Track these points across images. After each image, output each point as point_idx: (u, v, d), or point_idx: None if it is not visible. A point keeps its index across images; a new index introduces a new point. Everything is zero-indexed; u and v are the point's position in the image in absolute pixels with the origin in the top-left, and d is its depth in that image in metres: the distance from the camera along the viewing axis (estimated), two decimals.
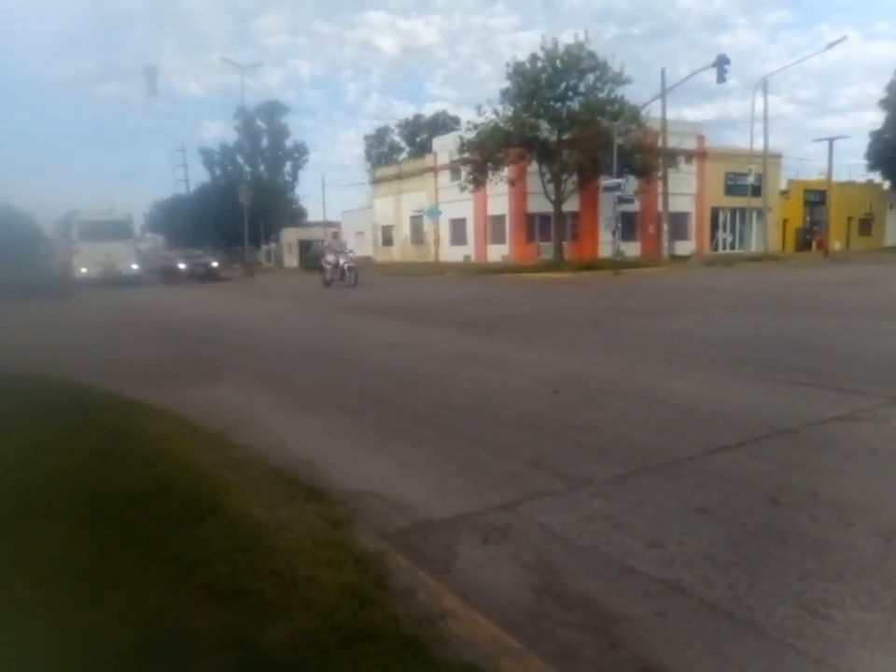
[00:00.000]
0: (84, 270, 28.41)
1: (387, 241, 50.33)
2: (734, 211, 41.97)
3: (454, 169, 37.62)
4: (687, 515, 3.06)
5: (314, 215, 61.94)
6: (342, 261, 22.36)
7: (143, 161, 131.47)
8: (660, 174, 31.98)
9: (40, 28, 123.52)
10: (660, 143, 31.71)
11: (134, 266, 30.12)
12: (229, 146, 60.47)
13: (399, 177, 48.06)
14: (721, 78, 26.44)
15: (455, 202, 38.16)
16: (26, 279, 27.95)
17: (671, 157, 32.53)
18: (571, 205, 32.78)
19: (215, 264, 35.29)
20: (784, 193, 45.79)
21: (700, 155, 40.28)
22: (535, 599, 2.42)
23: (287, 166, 62.71)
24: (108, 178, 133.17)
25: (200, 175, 63.81)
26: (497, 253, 37.07)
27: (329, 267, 22.67)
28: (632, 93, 41.10)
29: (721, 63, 26.16)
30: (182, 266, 32.76)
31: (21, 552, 2.39)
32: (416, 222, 45.06)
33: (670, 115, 31.93)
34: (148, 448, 3.63)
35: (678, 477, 3.55)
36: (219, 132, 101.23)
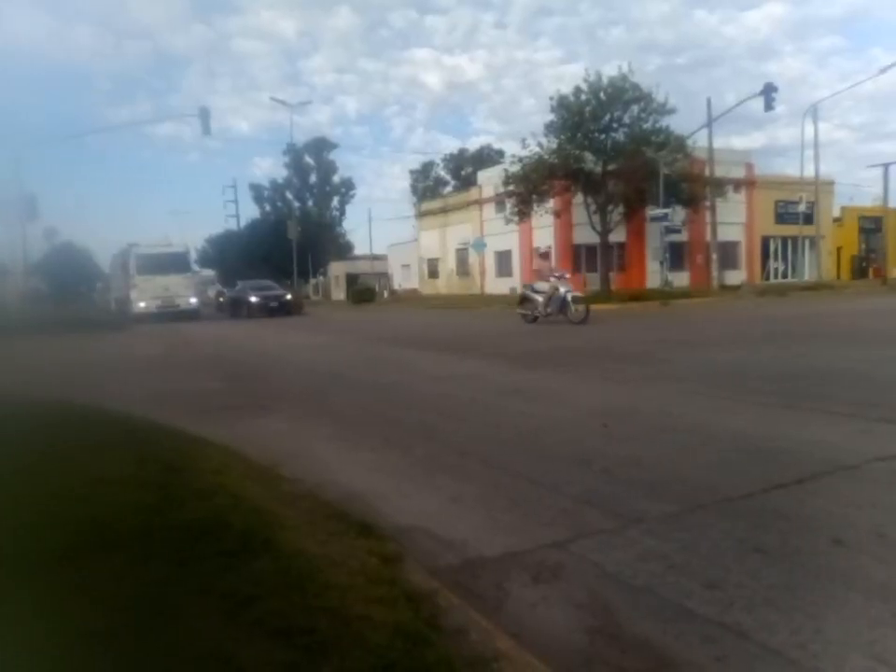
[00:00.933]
0: (142, 304, 28.49)
1: (433, 273, 50.82)
2: (785, 239, 41.28)
3: (498, 202, 37.96)
4: (745, 555, 2.97)
5: (360, 248, 63.16)
6: (562, 289, 16.75)
7: (195, 199, 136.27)
8: (707, 203, 31.65)
9: (101, 73, 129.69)
10: (707, 172, 31.45)
11: (193, 299, 30.09)
12: (278, 182, 62.38)
13: (444, 211, 48.67)
14: (768, 106, 26.28)
15: (501, 234, 38.40)
16: (84, 314, 28.91)
17: (719, 186, 32.19)
18: (618, 236, 32.64)
19: (289, 297, 31.83)
20: (837, 220, 44.84)
21: (749, 183, 39.83)
22: (589, 641, 2.36)
23: (335, 201, 64.36)
24: (162, 215, 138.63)
25: (250, 211, 65.74)
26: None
27: (541, 298, 17.18)
28: (678, 122, 41.06)
29: (769, 91, 26.00)
30: (253, 299, 30.40)
31: (78, 584, 2.43)
32: (462, 255, 45.48)
33: (718, 143, 31.74)
34: (203, 481, 3.69)
35: (733, 515, 3.45)
36: (269, 168, 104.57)
